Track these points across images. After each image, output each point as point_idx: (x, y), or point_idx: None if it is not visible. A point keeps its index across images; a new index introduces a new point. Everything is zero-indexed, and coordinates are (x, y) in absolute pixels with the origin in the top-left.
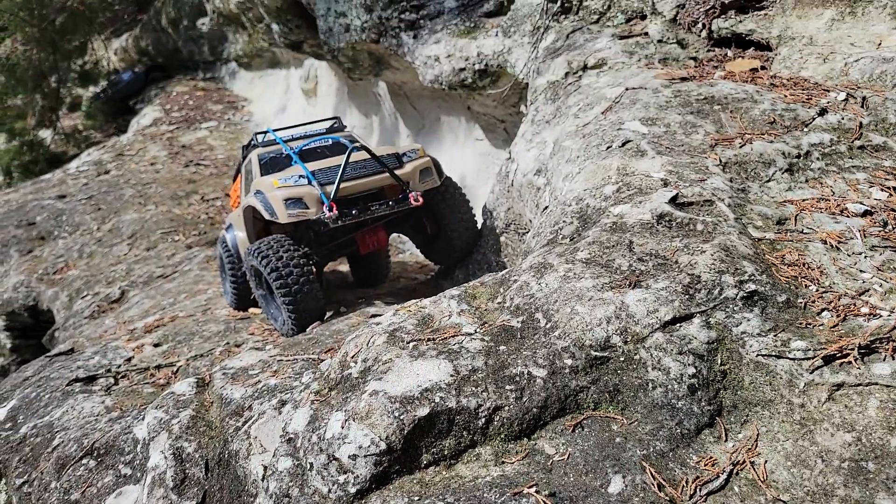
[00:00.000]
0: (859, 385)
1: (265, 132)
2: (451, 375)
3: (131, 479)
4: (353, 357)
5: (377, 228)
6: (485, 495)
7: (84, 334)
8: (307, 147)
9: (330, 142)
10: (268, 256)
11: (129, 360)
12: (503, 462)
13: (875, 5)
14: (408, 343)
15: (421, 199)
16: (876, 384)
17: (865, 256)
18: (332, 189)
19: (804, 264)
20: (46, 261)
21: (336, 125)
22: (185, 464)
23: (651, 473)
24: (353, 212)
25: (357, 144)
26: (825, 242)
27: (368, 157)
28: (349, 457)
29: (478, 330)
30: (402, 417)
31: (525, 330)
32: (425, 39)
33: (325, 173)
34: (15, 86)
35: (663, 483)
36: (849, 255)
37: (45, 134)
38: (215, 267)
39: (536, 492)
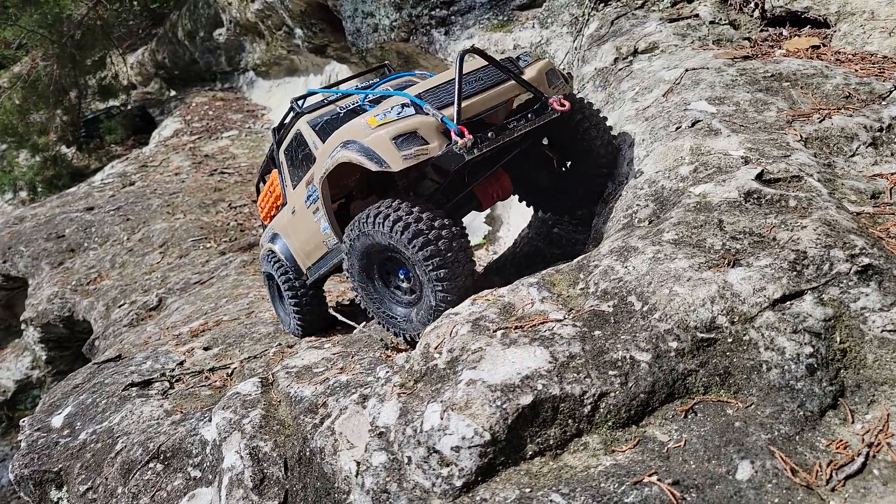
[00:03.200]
0: None
1: (306, 95)
2: (550, 362)
3: (202, 481)
4: (436, 348)
5: (498, 173)
6: (602, 485)
7: (127, 341)
8: (375, 94)
9: (392, 82)
10: (405, 221)
11: (182, 363)
12: (613, 451)
13: None
14: (495, 331)
15: (567, 104)
16: None
17: None
18: (451, 111)
19: None
20: (78, 272)
21: (386, 70)
22: (262, 463)
23: (781, 458)
24: (489, 134)
25: (469, 48)
26: None
27: (480, 66)
28: (451, 449)
29: (566, 316)
30: (504, 406)
31: (619, 314)
32: (457, 35)
33: (432, 95)
34: (37, 101)
35: (796, 468)
36: None
37: (67, 149)
38: (253, 271)
39: (658, 480)
